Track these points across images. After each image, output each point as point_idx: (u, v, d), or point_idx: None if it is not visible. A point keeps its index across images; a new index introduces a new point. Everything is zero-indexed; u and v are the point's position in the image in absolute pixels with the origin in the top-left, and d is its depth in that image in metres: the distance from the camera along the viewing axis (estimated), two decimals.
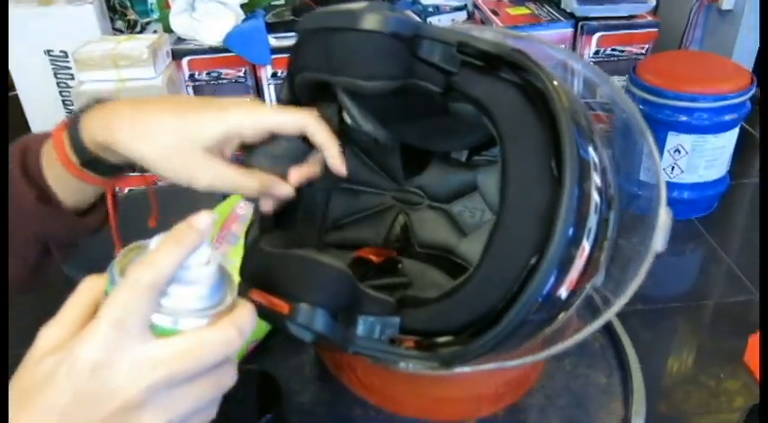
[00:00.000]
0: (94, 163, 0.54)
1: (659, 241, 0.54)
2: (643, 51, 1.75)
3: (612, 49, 1.78)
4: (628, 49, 1.76)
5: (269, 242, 0.56)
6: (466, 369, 0.53)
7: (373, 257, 0.60)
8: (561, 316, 0.53)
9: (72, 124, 0.54)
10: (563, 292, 0.49)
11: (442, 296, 0.53)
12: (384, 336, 0.53)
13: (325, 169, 0.68)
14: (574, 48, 1.86)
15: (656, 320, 0.83)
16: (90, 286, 0.37)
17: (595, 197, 0.49)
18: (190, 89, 1.98)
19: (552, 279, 0.47)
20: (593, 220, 0.49)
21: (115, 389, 0.34)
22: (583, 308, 0.57)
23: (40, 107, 1.84)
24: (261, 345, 0.71)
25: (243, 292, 0.52)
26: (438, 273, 0.66)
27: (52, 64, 1.82)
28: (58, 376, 0.34)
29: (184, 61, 1.91)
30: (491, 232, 0.50)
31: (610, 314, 0.53)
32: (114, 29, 1.96)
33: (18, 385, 0.35)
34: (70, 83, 1.81)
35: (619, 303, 0.53)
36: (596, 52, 1.81)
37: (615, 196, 0.55)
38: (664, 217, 0.55)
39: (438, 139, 0.66)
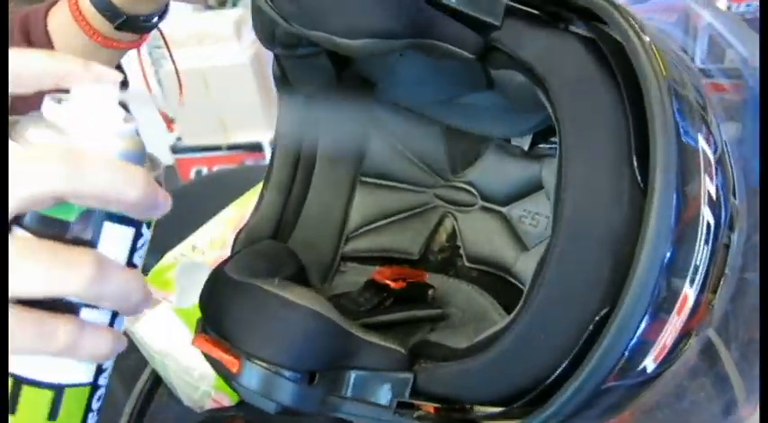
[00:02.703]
0: (127, 21, 0.50)
1: None
2: None
3: (747, 6, 1.48)
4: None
5: (243, 261, 0.41)
6: None
7: (390, 282, 0.44)
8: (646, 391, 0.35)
9: None
10: (649, 364, 0.31)
11: (470, 350, 0.37)
12: (389, 400, 0.37)
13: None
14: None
15: None
16: None
17: (706, 215, 0.31)
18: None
19: (632, 342, 0.29)
20: (702, 253, 0.30)
21: None
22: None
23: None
24: None
25: (196, 334, 0.38)
26: (489, 300, 0.49)
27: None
28: None
29: None
30: (540, 263, 0.33)
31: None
32: (208, 5, 1.88)
33: None
34: (162, 61, 1.75)
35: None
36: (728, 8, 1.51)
37: (740, 209, 0.35)
38: None
39: (488, 120, 0.49)
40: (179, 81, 0.61)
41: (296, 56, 0.42)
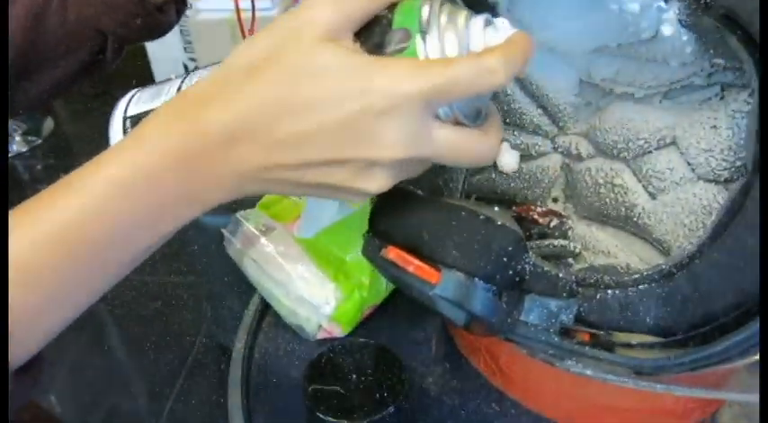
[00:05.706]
0: None
1: None
2: None
3: None
4: None
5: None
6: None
7: (538, 217, 0.44)
8: None
9: None
10: None
11: (640, 280, 0.37)
12: (555, 325, 0.37)
13: None
14: None
15: None
16: None
17: None
18: None
19: None
20: None
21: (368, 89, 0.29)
22: None
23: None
24: (377, 311, 0.57)
25: (373, 249, 0.38)
26: (611, 238, 0.50)
27: None
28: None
29: None
30: (737, 198, 0.33)
31: None
32: None
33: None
34: (188, 12, 1.72)
35: None
36: None
37: None
38: None
39: (631, 73, 0.49)
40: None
41: None
